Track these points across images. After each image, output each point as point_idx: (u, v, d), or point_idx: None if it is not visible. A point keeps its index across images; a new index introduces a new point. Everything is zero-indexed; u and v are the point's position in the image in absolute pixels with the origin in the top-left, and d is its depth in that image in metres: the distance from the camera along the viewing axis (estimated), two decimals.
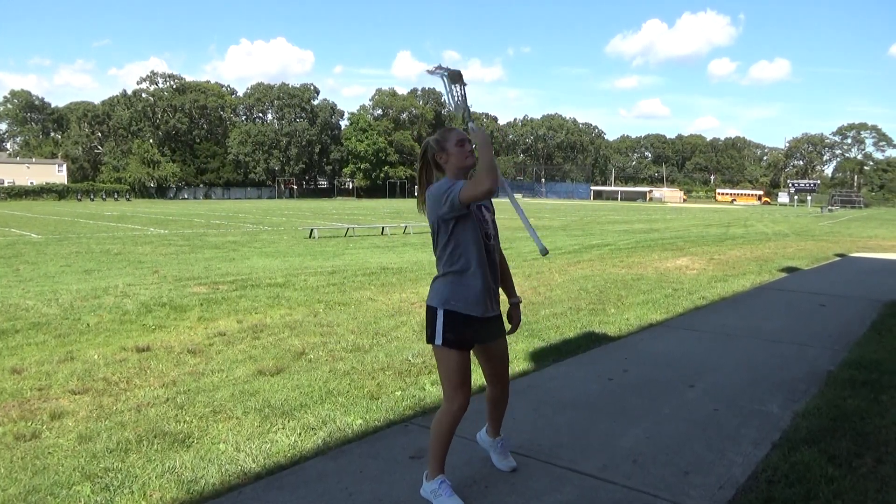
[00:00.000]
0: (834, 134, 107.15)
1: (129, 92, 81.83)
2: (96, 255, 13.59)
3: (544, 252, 2.93)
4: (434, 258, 2.86)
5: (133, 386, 4.47)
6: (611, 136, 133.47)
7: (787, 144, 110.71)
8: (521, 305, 3.10)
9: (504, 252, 3.10)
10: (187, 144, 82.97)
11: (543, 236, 19.60)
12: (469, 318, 2.73)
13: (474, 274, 2.72)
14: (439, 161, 2.81)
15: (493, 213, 2.94)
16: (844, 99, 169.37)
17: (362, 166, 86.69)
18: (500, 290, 3.07)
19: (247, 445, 3.44)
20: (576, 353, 5.45)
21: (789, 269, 11.52)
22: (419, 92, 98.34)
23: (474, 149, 2.77)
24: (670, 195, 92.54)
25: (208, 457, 3.30)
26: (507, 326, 3.01)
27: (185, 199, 74.32)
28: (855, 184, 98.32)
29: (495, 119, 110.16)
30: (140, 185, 73.16)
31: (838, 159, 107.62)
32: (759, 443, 3.53)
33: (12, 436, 3.58)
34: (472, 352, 2.86)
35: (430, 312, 2.77)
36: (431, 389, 4.39)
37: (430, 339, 2.76)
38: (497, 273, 2.88)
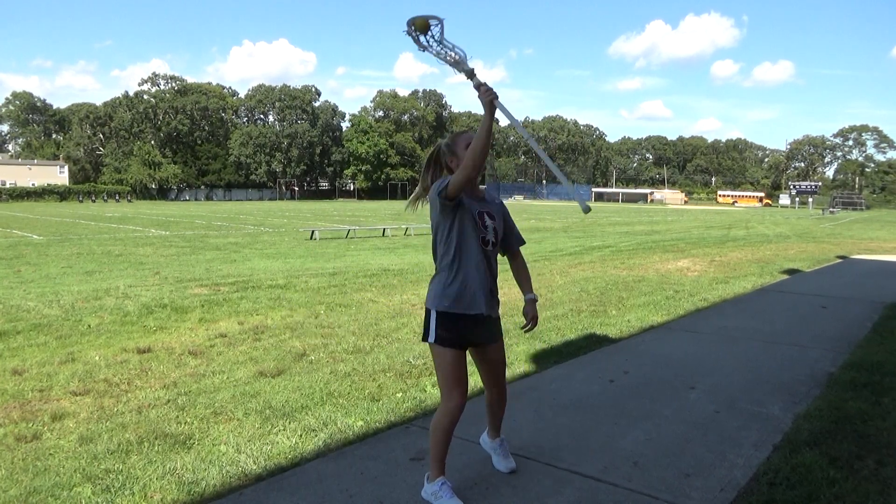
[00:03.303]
0: (835, 136, 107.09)
1: (131, 93, 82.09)
2: (97, 256, 13.61)
3: (587, 210, 2.86)
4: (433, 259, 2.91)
5: (134, 387, 4.48)
6: (612, 137, 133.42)
7: (789, 146, 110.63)
8: (522, 307, 3.11)
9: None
10: (189, 146, 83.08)
11: (544, 238, 19.68)
12: (461, 316, 2.76)
13: (466, 275, 2.76)
14: (450, 164, 2.84)
15: (500, 222, 2.90)
16: (846, 101, 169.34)
17: (363, 168, 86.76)
18: (519, 287, 3.08)
19: (247, 447, 3.44)
20: (577, 354, 5.44)
21: (790, 271, 11.51)
22: (420, 94, 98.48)
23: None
24: (671, 197, 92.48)
25: (209, 458, 3.30)
26: (522, 321, 3.09)
27: (186, 200, 74.43)
28: (856, 186, 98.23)
29: (496, 121, 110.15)
30: (141, 187, 73.28)
31: (839, 161, 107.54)
32: (760, 445, 3.53)
33: (13, 437, 3.58)
34: (469, 354, 2.91)
35: (426, 312, 2.84)
36: (432, 391, 4.39)
37: (424, 336, 2.83)
38: (494, 277, 2.88)
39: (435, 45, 2.67)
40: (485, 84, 2.57)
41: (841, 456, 3.32)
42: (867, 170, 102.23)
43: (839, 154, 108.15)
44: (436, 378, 4.60)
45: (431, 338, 2.78)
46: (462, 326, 2.78)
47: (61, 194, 65.01)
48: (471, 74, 2.64)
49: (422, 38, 2.67)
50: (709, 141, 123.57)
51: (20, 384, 4.51)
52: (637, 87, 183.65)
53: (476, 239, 2.77)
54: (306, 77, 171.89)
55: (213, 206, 56.24)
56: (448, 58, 2.67)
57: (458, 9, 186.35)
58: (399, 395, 4.33)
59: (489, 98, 2.56)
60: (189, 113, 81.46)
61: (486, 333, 2.90)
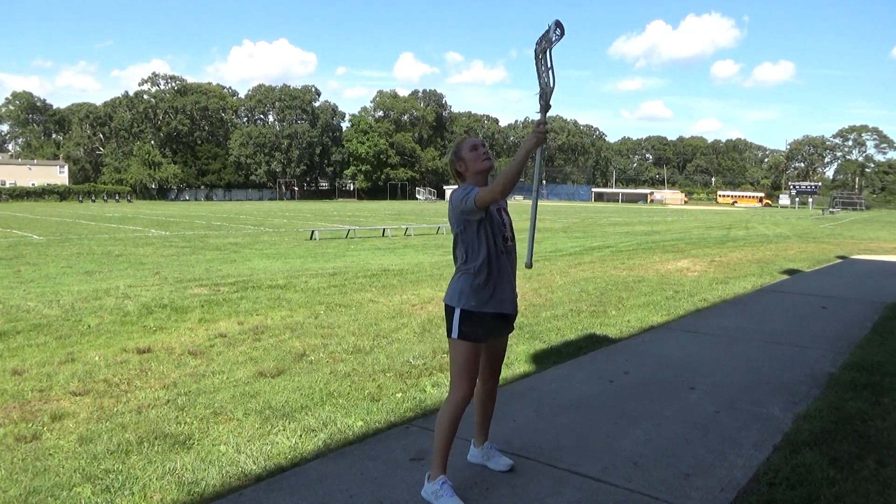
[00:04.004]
0: (835, 136, 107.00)
1: (131, 93, 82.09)
2: (97, 256, 13.61)
3: (529, 266, 3.11)
4: (451, 256, 2.99)
5: (134, 387, 4.48)
6: (612, 137, 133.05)
7: (788, 146, 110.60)
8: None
9: None
10: (188, 146, 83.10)
11: (544, 238, 19.72)
12: (483, 314, 2.84)
13: (497, 278, 2.86)
14: (460, 170, 2.96)
15: (510, 218, 3.07)
16: (846, 101, 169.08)
17: (363, 168, 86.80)
18: None
19: (247, 447, 3.44)
20: (577, 354, 5.44)
21: (790, 272, 11.51)
22: (420, 94, 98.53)
23: (488, 152, 2.95)
24: (671, 197, 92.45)
25: (209, 458, 3.30)
26: None
27: (186, 200, 74.45)
28: (856, 186, 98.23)
29: (497, 121, 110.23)
30: (141, 187, 73.29)
31: (839, 161, 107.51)
32: (761, 445, 3.53)
33: (13, 437, 3.58)
34: None
35: (448, 309, 2.90)
36: (432, 391, 4.39)
37: (449, 333, 2.91)
38: (514, 274, 3.01)
39: (550, 49, 2.76)
40: (545, 125, 2.75)
41: (841, 456, 3.32)
42: (867, 170, 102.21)
43: (839, 154, 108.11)
44: (436, 378, 4.63)
45: (455, 334, 2.85)
46: (484, 323, 2.86)
47: (61, 194, 65.02)
48: (545, 109, 2.78)
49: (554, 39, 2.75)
50: (709, 141, 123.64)
51: (20, 384, 4.50)
52: (637, 87, 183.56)
53: (498, 238, 2.87)
54: (306, 77, 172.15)
55: (213, 206, 56.23)
56: (546, 76, 2.76)
57: (459, 9, 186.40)
58: (399, 395, 4.33)
59: (541, 137, 2.71)
60: (189, 113, 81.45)
61: (502, 327, 3.01)
